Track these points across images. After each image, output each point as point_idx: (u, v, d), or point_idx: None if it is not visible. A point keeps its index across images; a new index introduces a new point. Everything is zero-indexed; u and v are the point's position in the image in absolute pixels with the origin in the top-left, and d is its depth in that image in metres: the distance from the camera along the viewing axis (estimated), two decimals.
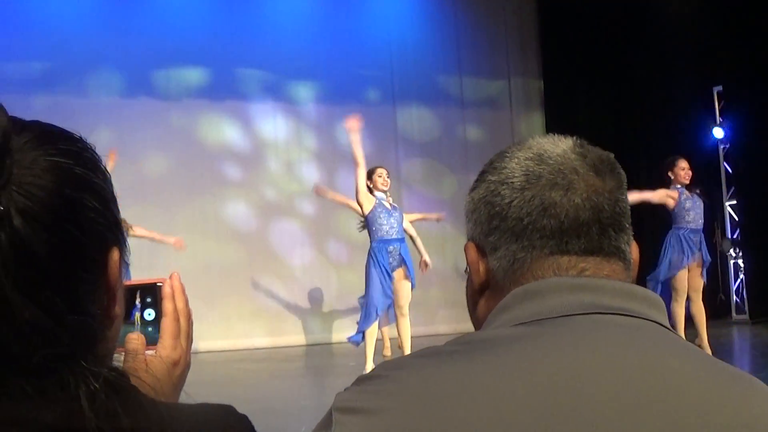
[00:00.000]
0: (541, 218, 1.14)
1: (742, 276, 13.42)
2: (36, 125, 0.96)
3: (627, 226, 1.17)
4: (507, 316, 1.11)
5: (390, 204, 9.12)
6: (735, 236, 13.61)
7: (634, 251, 1.18)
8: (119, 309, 0.99)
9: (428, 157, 14.26)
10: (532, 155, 1.17)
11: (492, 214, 1.18)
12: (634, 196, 8.86)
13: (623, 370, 1.00)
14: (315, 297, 13.57)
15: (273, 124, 13.70)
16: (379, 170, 9.17)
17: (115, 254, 0.97)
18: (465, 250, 1.23)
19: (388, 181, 9.18)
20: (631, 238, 1.18)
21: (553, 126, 14.90)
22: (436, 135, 14.53)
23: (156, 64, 12.95)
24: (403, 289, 9.14)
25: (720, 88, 13.57)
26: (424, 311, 12.60)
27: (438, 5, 14.65)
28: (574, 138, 1.21)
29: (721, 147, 13.52)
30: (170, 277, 1.19)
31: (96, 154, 0.99)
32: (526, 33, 15.35)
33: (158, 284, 1.22)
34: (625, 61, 14.16)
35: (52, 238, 0.89)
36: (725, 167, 13.35)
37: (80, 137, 0.98)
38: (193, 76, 13.28)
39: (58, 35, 12.13)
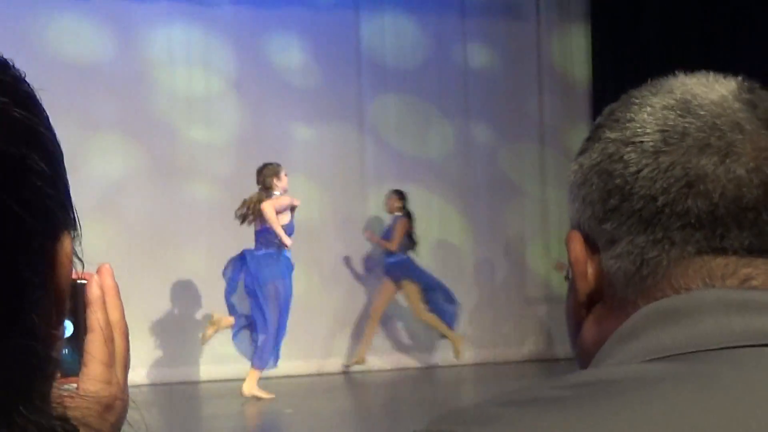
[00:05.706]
0: (683, 198, 0.90)
1: None
2: None
3: None
4: (636, 345, 0.89)
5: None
6: None
7: None
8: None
9: (406, 92, 11.79)
10: (674, 102, 0.93)
11: (610, 189, 0.93)
12: None
13: None
14: None
15: (167, 36, 11.11)
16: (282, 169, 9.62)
17: (66, 243, 0.75)
18: (567, 244, 0.99)
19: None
20: None
21: (601, 49, 12.45)
22: (420, 58, 12.01)
23: None
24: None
25: None
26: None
27: None
28: (739, 78, 0.96)
29: None
30: (98, 272, 0.87)
31: (32, 87, 0.73)
32: None
33: (79, 282, 0.85)
34: None
35: None
36: None
37: (8, 61, 0.73)
38: None
39: None
